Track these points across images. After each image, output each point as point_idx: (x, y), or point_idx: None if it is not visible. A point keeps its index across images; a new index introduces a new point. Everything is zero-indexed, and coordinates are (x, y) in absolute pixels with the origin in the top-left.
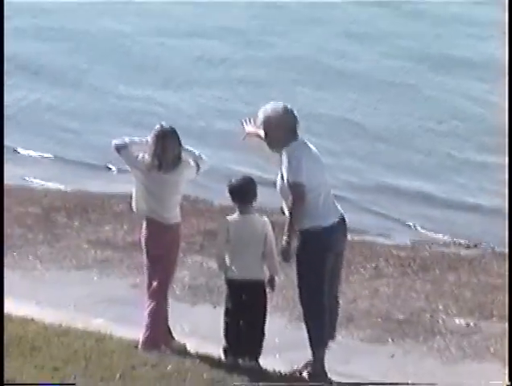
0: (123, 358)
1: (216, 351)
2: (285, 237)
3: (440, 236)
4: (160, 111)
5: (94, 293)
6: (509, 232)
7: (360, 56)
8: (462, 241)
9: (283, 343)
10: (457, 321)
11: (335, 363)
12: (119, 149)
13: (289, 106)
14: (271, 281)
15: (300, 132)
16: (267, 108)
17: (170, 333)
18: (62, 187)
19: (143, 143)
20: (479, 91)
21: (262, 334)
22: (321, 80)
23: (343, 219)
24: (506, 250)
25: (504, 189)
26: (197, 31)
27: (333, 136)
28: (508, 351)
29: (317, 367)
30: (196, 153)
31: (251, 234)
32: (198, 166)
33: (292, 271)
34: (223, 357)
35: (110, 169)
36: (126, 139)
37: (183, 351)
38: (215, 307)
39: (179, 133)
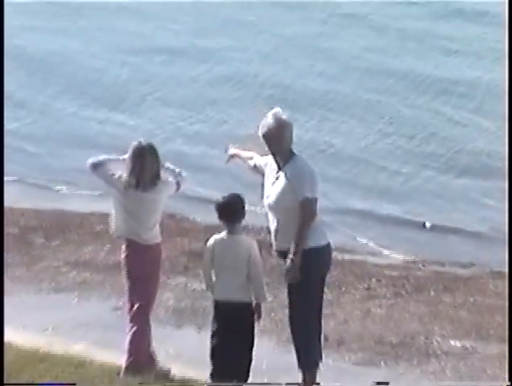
0: (105, 384)
1: (202, 375)
2: (291, 256)
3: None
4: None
5: (74, 316)
6: (510, 250)
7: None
8: (457, 260)
9: (272, 367)
10: (453, 343)
11: None
12: (95, 167)
13: None
14: (257, 308)
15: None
16: (278, 113)
17: (153, 357)
18: (39, 206)
19: (120, 161)
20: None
21: (250, 357)
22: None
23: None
24: (506, 264)
25: (482, 211)
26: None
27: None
28: (508, 351)
29: None
30: (176, 170)
31: (235, 255)
32: (178, 183)
33: (281, 292)
34: (209, 382)
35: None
36: (102, 157)
37: (167, 377)
38: (200, 330)
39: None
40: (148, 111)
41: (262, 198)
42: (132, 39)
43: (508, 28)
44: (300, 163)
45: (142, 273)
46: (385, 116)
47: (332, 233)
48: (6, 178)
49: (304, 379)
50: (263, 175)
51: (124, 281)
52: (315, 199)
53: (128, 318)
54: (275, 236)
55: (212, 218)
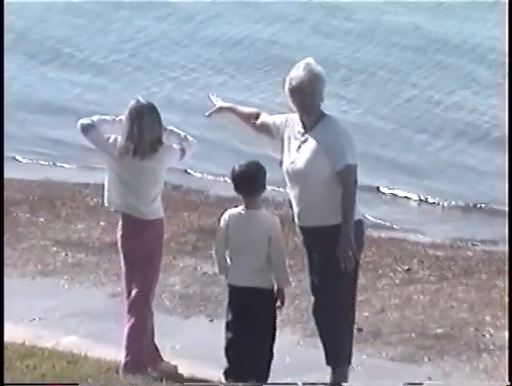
0: (101, 384)
1: (215, 373)
2: (343, 232)
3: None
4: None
5: (64, 304)
6: (510, 251)
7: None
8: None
9: (295, 364)
10: (508, 335)
11: None
12: (86, 129)
13: None
14: (280, 294)
15: None
16: (311, 64)
17: (157, 352)
18: (24, 177)
19: (117, 122)
20: None
21: (270, 352)
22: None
23: None
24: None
25: None
26: None
27: None
28: (508, 351)
29: None
30: (182, 134)
31: (253, 233)
32: (183, 150)
33: (306, 277)
34: (223, 380)
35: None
36: (95, 118)
37: (173, 375)
38: (212, 320)
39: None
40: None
41: (281, 164)
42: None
43: (508, 28)
44: (335, 125)
45: (140, 253)
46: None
47: (365, 208)
48: None
49: (334, 378)
50: (275, 136)
51: (121, 264)
52: (356, 166)
53: (126, 306)
54: (300, 210)
55: (226, 190)
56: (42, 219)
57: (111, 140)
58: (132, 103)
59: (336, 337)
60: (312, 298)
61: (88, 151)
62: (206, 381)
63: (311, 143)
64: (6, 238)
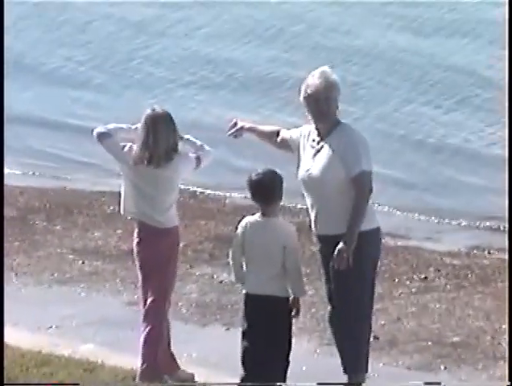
0: None
1: (231, 381)
2: (345, 239)
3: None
4: None
5: (81, 312)
6: (510, 251)
7: None
8: None
9: (312, 372)
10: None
11: None
12: (101, 138)
13: None
14: (295, 303)
15: None
16: (327, 72)
17: (174, 360)
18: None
19: (132, 131)
20: None
21: (287, 361)
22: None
23: None
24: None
25: None
26: None
27: None
28: (508, 351)
29: None
30: (198, 143)
31: (268, 242)
32: (199, 158)
33: (323, 285)
34: None
35: None
36: (111, 126)
37: (190, 383)
38: (228, 329)
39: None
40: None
41: (298, 174)
42: None
43: (508, 28)
44: (350, 131)
45: (156, 261)
46: None
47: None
48: None
49: None
50: (294, 150)
51: (137, 272)
52: (371, 173)
53: (142, 314)
54: (316, 218)
55: (242, 198)
56: (59, 227)
57: (126, 148)
58: (148, 111)
59: (354, 345)
60: (329, 307)
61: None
62: None
63: (327, 150)
64: (22, 245)
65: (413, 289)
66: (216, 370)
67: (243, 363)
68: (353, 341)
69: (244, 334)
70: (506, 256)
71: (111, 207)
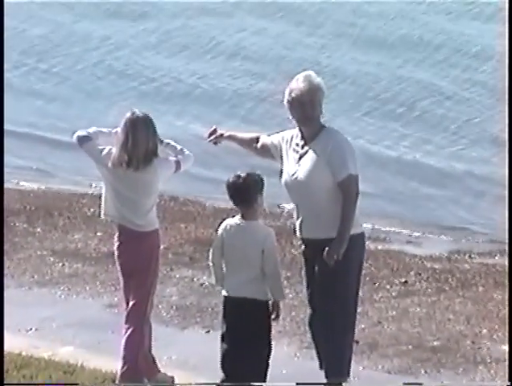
0: None
1: (211, 384)
2: (336, 241)
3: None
4: None
5: (61, 314)
6: (510, 252)
7: None
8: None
9: (292, 375)
10: (504, 347)
11: None
12: (81, 141)
13: None
14: (275, 306)
15: None
16: (311, 76)
17: (154, 363)
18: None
19: (112, 134)
20: None
21: (266, 363)
22: None
23: None
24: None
25: None
26: None
27: None
28: (508, 352)
29: None
30: (178, 147)
31: (247, 245)
32: (178, 162)
33: (303, 288)
34: None
35: None
36: (91, 129)
37: (170, 385)
38: (208, 332)
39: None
40: None
41: (281, 178)
42: None
43: (508, 28)
44: (336, 135)
45: (136, 264)
46: None
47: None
48: None
49: None
50: (275, 156)
51: (118, 275)
52: (358, 176)
53: (124, 317)
54: (302, 221)
55: (223, 201)
56: (39, 230)
57: (105, 151)
58: (127, 114)
59: (337, 349)
60: (309, 310)
61: None
62: None
63: (312, 154)
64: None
65: (393, 293)
66: (196, 373)
67: (223, 365)
68: (336, 345)
69: (223, 336)
70: (506, 262)
71: (91, 210)
